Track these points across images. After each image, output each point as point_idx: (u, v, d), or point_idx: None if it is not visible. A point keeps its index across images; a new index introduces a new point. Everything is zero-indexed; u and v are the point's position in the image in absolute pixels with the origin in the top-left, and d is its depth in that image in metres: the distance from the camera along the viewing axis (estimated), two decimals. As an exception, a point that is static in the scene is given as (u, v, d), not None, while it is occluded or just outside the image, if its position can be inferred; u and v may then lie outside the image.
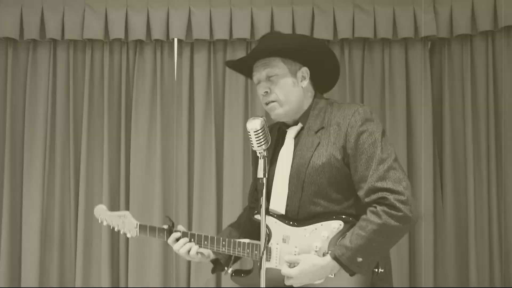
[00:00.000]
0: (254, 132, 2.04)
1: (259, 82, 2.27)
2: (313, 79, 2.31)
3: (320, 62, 2.28)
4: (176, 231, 2.35)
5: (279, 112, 2.25)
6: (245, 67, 2.37)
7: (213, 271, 2.46)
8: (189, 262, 3.85)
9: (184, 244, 2.32)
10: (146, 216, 3.78)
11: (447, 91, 3.91)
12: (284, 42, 2.24)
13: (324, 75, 2.33)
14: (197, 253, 2.33)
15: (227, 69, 3.92)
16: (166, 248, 3.84)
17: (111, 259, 3.82)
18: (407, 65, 3.95)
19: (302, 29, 3.84)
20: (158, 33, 3.86)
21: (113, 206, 3.82)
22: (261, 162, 2.05)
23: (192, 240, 2.32)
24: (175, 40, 3.93)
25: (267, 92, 2.23)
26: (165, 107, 3.94)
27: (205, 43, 3.94)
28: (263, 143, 2.05)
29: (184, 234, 2.33)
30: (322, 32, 3.82)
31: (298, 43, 2.26)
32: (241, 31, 3.85)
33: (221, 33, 3.86)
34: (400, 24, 3.86)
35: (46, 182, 3.87)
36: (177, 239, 2.34)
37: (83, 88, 3.93)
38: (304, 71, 2.27)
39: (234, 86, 3.93)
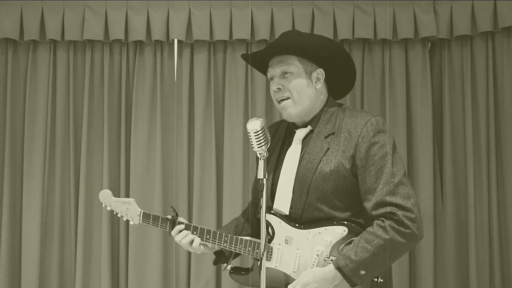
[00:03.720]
0: (254, 133, 2.04)
1: (272, 78, 2.25)
2: (328, 83, 2.29)
3: (337, 65, 2.27)
4: (179, 222, 2.33)
5: (291, 112, 2.22)
6: (259, 62, 2.35)
7: (215, 262, 2.44)
8: (189, 264, 3.85)
9: (186, 236, 2.30)
10: (146, 216, 3.78)
11: (447, 91, 3.91)
12: (302, 41, 2.23)
13: (339, 80, 2.31)
14: (200, 244, 2.30)
15: (227, 69, 3.93)
16: (166, 249, 3.85)
17: (111, 260, 3.82)
18: (407, 65, 3.95)
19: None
20: (158, 34, 3.86)
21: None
22: (261, 163, 2.04)
23: (195, 233, 2.31)
24: (175, 41, 3.93)
25: (279, 88, 2.21)
26: (165, 107, 3.94)
27: (205, 43, 3.94)
28: (263, 144, 2.04)
29: (187, 227, 2.32)
30: (322, 33, 3.81)
31: (316, 44, 2.24)
32: (241, 32, 3.85)
33: (221, 34, 3.86)
34: (400, 25, 3.86)
35: (46, 182, 3.87)
36: (180, 231, 2.32)
37: (83, 88, 3.93)
38: (320, 72, 2.24)
39: (234, 86, 3.93)
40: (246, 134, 2.08)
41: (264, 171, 2.03)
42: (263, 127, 2.05)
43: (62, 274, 3.88)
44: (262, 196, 2.02)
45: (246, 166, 3.88)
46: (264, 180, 2.03)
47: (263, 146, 2.05)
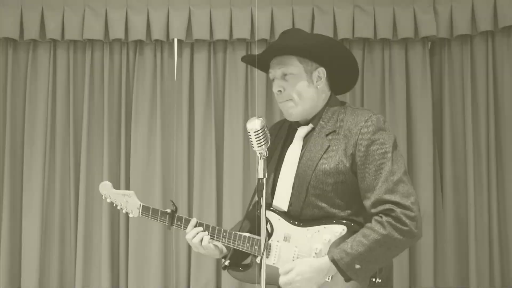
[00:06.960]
0: (254, 132, 2.03)
1: (274, 79, 2.26)
2: (330, 80, 2.28)
3: (338, 63, 2.26)
4: (179, 216, 2.31)
5: (293, 112, 2.22)
6: (261, 63, 2.34)
7: (224, 267, 2.38)
8: (189, 263, 3.85)
9: (197, 233, 2.27)
10: (146, 216, 3.79)
11: (447, 91, 3.91)
12: (302, 41, 2.22)
13: (341, 77, 2.30)
14: (209, 242, 2.27)
15: (227, 69, 3.93)
16: (166, 248, 3.85)
17: (111, 259, 3.82)
18: (407, 65, 3.95)
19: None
20: (158, 34, 3.86)
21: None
22: (261, 163, 2.03)
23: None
24: (175, 40, 3.93)
25: (280, 91, 2.21)
26: (165, 107, 3.94)
27: (205, 43, 3.94)
28: (263, 143, 2.04)
29: (197, 224, 2.29)
30: (322, 32, 3.78)
31: (316, 43, 2.23)
32: (241, 31, 3.85)
33: (221, 33, 3.86)
34: (400, 24, 3.86)
35: (46, 182, 3.87)
36: (194, 226, 2.28)
37: (83, 88, 3.93)
38: (320, 71, 2.23)
39: (234, 86, 3.93)
40: (246, 134, 2.07)
41: (264, 171, 2.03)
42: (263, 126, 2.04)
43: (62, 273, 3.89)
44: (262, 196, 2.02)
45: (246, 166, 3.88)
46: (264, 179, 2.03)
47: (263, 146, 2.04)
